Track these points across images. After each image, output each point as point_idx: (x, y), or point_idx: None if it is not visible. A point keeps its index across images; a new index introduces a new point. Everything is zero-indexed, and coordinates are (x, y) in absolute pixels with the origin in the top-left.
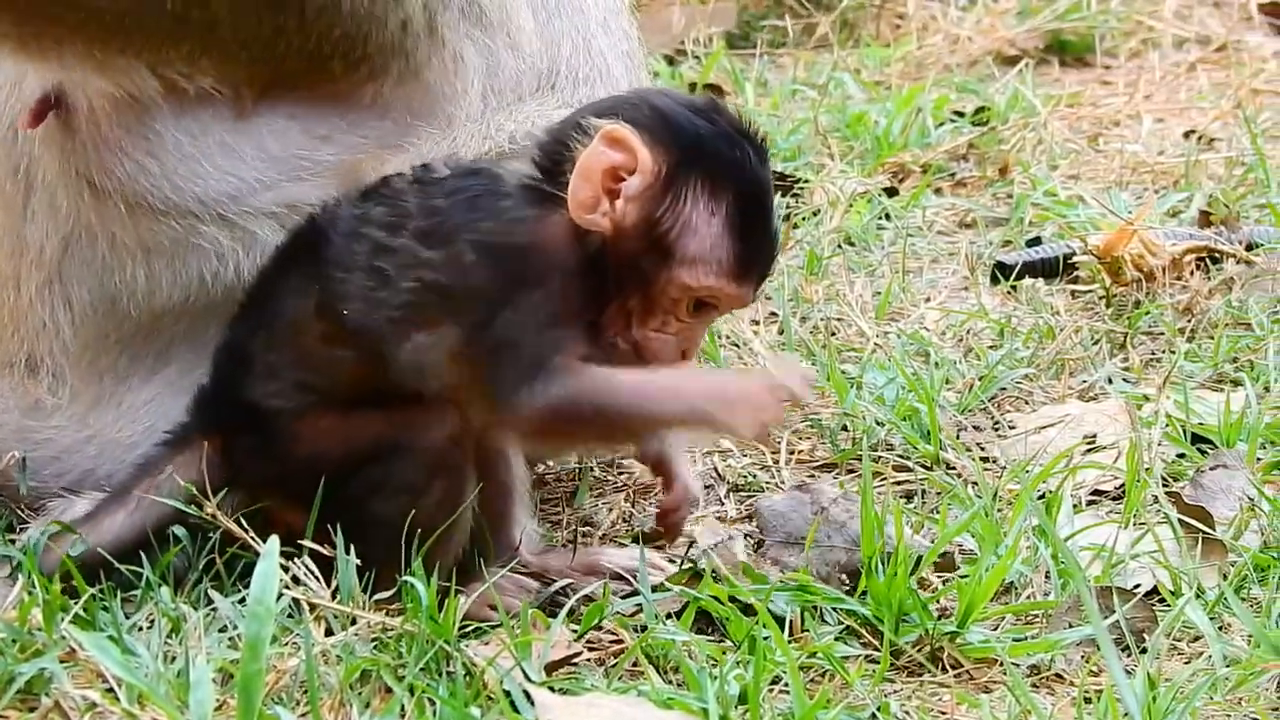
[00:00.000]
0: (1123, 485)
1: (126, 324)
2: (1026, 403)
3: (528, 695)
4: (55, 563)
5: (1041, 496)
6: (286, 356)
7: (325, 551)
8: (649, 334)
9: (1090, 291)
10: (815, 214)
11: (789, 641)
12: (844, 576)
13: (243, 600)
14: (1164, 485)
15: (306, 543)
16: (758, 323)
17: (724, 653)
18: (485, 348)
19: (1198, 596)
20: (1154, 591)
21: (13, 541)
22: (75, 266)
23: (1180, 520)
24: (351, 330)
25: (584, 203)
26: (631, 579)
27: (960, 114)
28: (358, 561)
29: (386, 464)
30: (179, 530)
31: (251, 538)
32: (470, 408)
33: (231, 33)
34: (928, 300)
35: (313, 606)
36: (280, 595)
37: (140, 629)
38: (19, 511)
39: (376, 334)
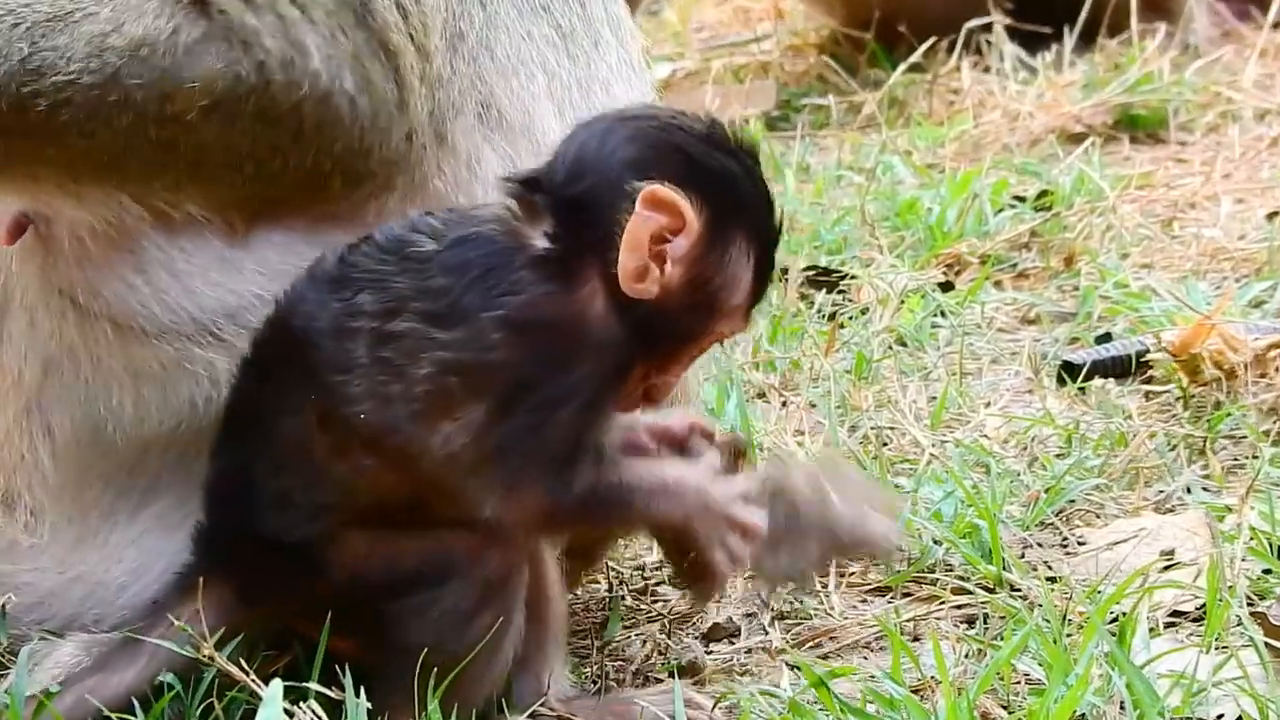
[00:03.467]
0: (1203, 605)
1: (111, 455)
2: (1098, 516)
3: None
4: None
5: (1114, 619)
6: (297, 481)
7: (333, 695)
8: (666, 380)
9: (1166, 392)
10: (864, 312)
11: None
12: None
13: None
14: (1248, 605)
15: (313, 685)
16: (802, 433)
17: None
18: (508, 432)
19: None
20: None
21: None
22: (56, 392)
23: (1266, 644)
24: (368, 436)
25: (635, 272)
26: None
27: (1021, 199)
28: (368, 705)
29: (434, 589)
30: (169, 677)
31: (253, 680)
32: (476, 494)
33: (222, 155)
34: (988, 405)
35: None
36: None
37: None
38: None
39: (398, 433)
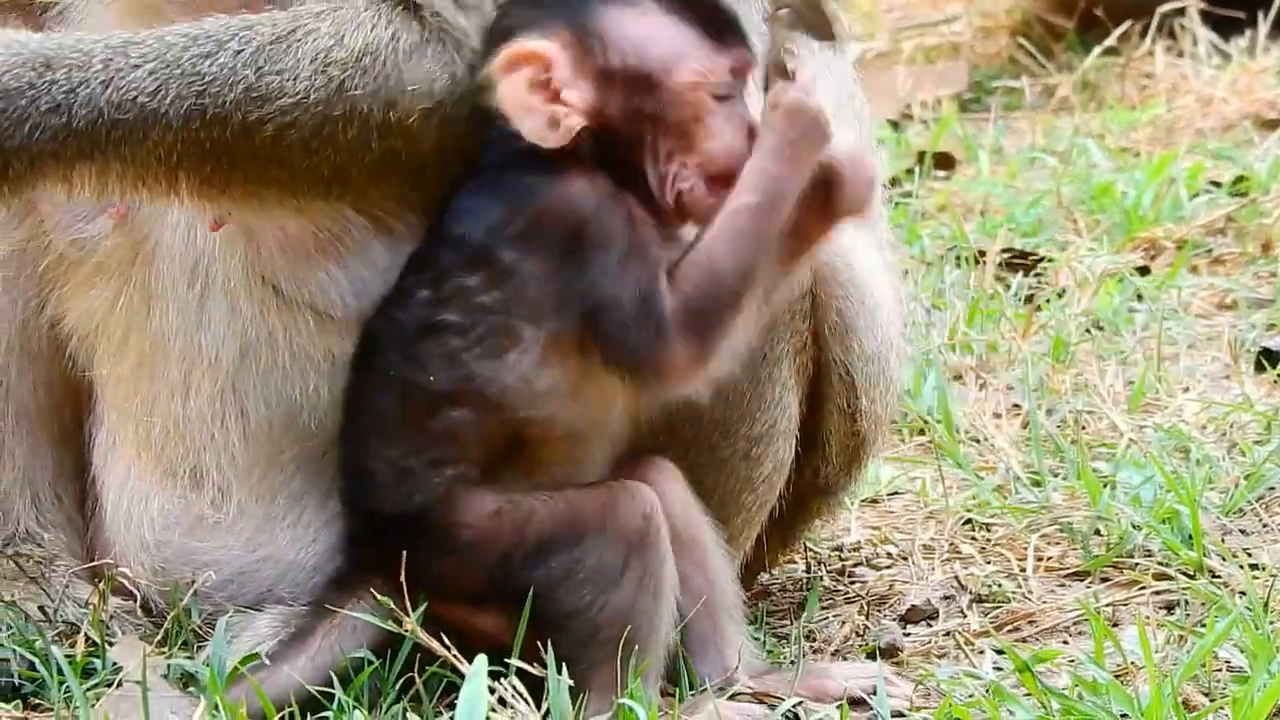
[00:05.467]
0: None
1: (304, 439)
2: None
3: None
4: (239, 692)
5: None
6: (403, 447)
7: (534, 671)
8: (703, 156)
9: None
10: (1060, 295)
11: None
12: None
13: None
14: None
15: (514, 661)
16: (1000, 415)
17: None
18: (593, 323)
19: None
20: None
21: (190, 657)
22: (253, 377)
23: None
24: (449, 392)
25: (543, 128)
26: (869, 699)
27: (1217, 184)
28: (570, 682)
29: (571, 550)
30: (366, 653)
31: (455, 656)
32: (625, 383)
33: (438, 158)
34: (1186, 390)
35: None
36: None
37: None
38: (195, 629)
39: (473, 380)
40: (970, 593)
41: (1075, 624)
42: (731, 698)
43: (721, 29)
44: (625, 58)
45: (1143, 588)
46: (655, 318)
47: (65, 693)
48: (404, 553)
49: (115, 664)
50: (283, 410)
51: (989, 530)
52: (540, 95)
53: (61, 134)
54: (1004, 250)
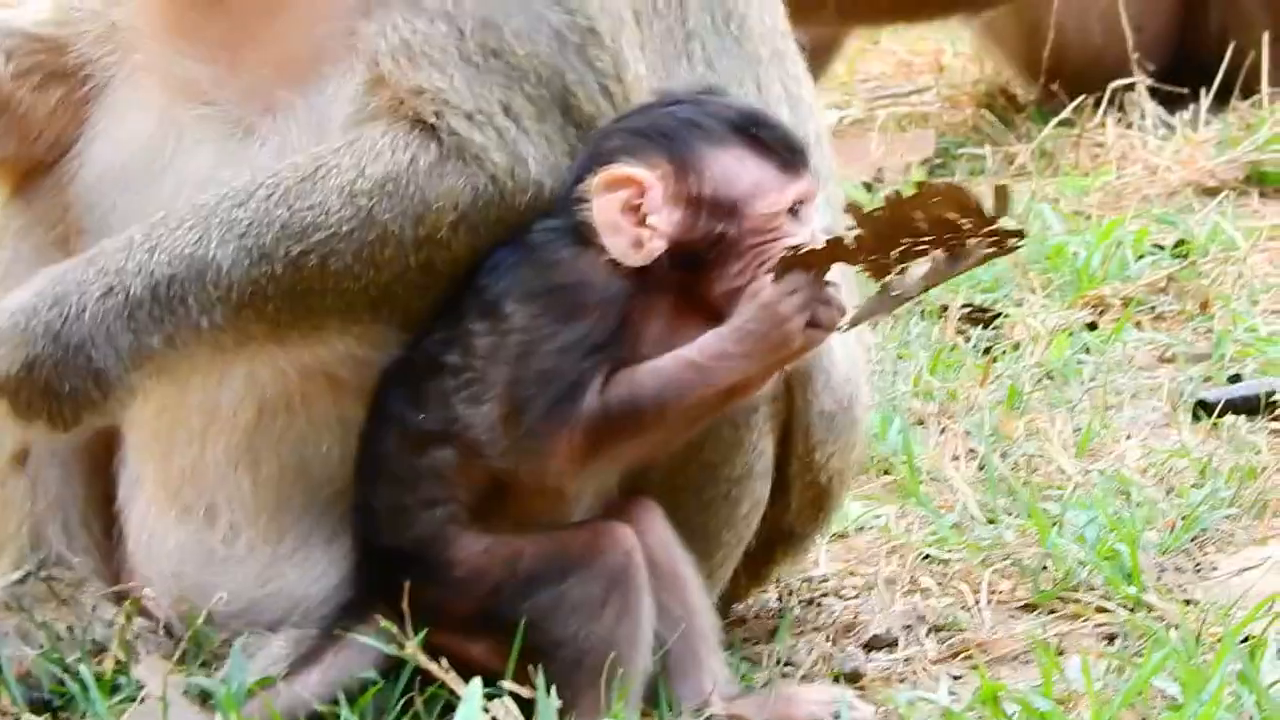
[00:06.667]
0: None
1: (313, 491)
2: (1229, 543)
3: None
4: (253, 709)
5: (1245, 640)
6: (399, 485)
7: (525, 693)
8: (726, 285)
9: None
10: (1016, 348)
11: None
12: None
13: None
14: None
15: (507, 684)
16: (958, 458)
17: None
18: (522, 385)
19: None
20: None
21: (208, 676)
22: (267, 435)
23: None
24: (438, 432)
25: (628, 248)
26: None
27: (1160, 247)
28: (559, 703)
29: (557, 585)
30: (372, 674)
31: (452, 679)
32: (512, 449)
33: (469, 262)
34: (1129, 437)
35: None
36: None
37: None
38: (214, 650)
39: (457, 421)
40: (928, 623)
41: (1024, 652)
42: (707, 719)
43: (793, 159)
44: (715, 190)
45: (1086, 620)
46: (572, 406)
47: (91, 707)
48: (405, 582)
49: (139, 681)
50: (294, 465)
51: (947, 565)
52: (630, 218)
53: (125, 309)
54: (964, 305)
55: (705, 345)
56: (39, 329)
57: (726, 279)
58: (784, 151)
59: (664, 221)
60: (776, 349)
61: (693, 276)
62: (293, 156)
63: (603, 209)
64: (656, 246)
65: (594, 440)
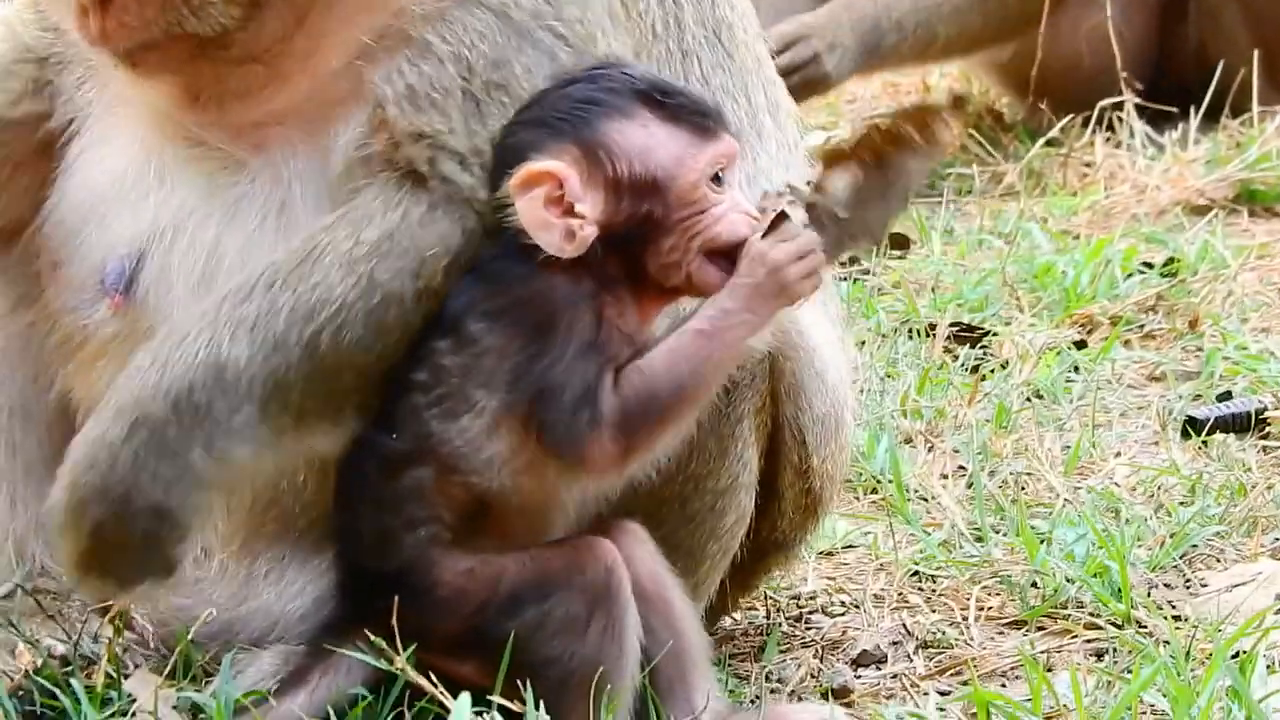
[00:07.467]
0: None
1: (285, 519)
2: (1218, 560)
3: None
4: None
5: (1235, 656)
6: (379, 507)
7: (514, 707)
8: (705, 237)
9: None
10: (1004, 366)
11: None
12: None
13: None
14: None
15: (496, 698)
16: (946, 476)
17: None
18: (537, 405)
19: None
20: None
21: (198, 690)
22: None
23: None
24: (408, 450)
25: (560, 240)
26: None
27: (1149, 265)
28: (547, 718)
29: (540, 603)
30: (361, 690)
31: (441, 693)
32: (544, 467)
33: None
34: (1117, 455)
35: None
36: None
37: None
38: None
39: (431, 436)
40: (916, 639)
41: (1013, 669)
42: None
43: (708, 124)
44: (632, 167)
45: (1075, 636)
46: (592, 411)
47: None
48: (392, 601)
49: (130, 694)
50: (267, 496)
51: (935, 582)
52: (555, 210)
53: (153, 438)
54: (953, 324)
55: (708, 312)
56: (88, 495)
57: (663, 253)
58: (694, 116)
59: (589, 207)
60: (777, 297)
61: (633, 258)
62: (291, 241)
63: (526, 209)
64: (589, 233)
65: (624, 438)
